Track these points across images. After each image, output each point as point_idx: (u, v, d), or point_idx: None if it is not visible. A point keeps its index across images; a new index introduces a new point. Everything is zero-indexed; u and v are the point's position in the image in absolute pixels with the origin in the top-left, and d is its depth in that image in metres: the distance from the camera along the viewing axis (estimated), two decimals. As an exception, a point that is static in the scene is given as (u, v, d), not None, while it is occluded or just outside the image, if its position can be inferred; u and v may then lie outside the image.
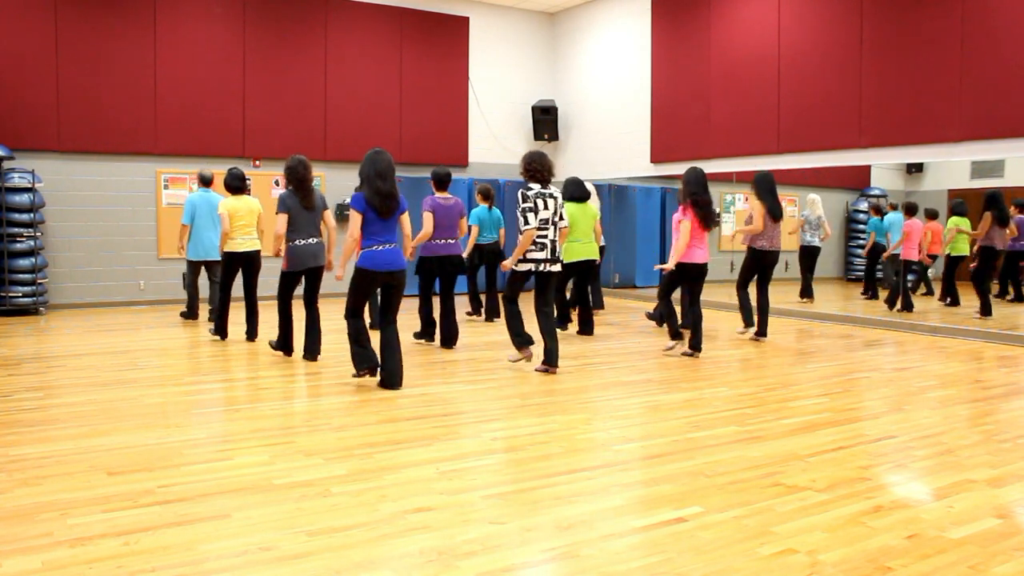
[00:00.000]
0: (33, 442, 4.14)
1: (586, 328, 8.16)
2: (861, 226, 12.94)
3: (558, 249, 6.14)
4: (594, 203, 8.54)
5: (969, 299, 9.86)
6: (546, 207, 6.02)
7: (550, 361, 6.09)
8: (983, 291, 9.28)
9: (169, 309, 10.08)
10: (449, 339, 7.17)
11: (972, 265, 9.65)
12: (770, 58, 10.20)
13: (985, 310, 9.19)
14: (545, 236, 6.03)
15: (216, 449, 4.07)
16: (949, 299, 10.35)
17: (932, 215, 10.81)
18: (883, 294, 11.01)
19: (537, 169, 6.06)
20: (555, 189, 6.21)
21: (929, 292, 11.35)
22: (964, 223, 10.21)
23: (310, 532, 2.97)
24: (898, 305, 10.00)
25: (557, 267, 6.16)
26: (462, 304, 9.50)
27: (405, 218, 5.70)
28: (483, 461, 3.92)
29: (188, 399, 5.26)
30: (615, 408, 5.11)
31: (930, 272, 11.39)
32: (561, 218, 6.18)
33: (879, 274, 11.41)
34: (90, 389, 5.45)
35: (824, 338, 7.99)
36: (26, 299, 9.37)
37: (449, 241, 7.14)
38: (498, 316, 9.02)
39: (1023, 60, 7.86)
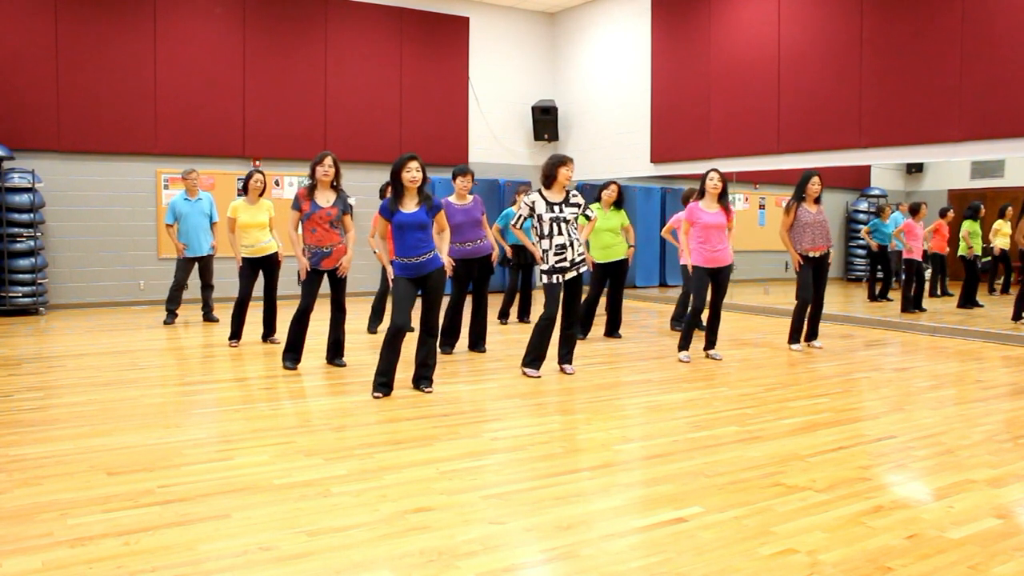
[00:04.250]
0: (33, 442, 4.14)
1: (610, 329, 8.09)
2: (861, 226, 12.93)
3: (565, 257, 5.88)
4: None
5: (991, 303, 9.64)
6: (533, 212, 5.89)
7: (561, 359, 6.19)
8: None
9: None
10: (477, 341, 7.07)
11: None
12: (770, 58, 10.20)
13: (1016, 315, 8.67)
14: (546, 247, 5.89)
15: (216, 449, 4.07)
16: (967, 302, 9.90)
17: (914, 210, 10.45)
18: (893, 295, 10.97)
19: (543, 174, 6.01)
20: (549, 195, 5.92)
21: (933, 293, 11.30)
22: (975, 226, 10.09)
23: (310, 532, 2.97)
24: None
25: (570, 275, 5.93)
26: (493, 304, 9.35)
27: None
28: (483, 461, 3.92)
29: (188, 399, 5.26)
30: (615, 408, 5.11)
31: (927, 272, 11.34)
32: (564, 222, 5.93)
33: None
34: (90, 389, 5.45)
35: (824, 338, 7.97)
36: (26, 299, 9.37)
37: (466, 244, 6.82)
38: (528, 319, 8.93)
39: (1023, 60, 7.87)
